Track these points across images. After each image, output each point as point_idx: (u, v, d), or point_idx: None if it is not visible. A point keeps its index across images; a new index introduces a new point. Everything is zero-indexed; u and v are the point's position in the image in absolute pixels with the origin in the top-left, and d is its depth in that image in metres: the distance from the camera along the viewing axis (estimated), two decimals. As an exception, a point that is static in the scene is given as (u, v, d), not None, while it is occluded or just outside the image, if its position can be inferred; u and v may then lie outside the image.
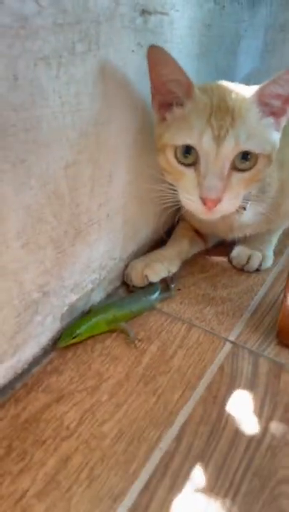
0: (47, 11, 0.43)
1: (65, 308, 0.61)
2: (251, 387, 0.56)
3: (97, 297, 0.68)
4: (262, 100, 0.56)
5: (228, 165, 0.55)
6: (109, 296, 0.71)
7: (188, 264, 0.80)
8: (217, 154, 0.54)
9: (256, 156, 0.56)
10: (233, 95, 0.56)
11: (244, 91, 0.57)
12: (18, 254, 0.49)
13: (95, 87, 0.52)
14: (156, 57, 0.54)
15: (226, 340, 0.63)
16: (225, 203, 0.57)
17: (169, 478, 0.45)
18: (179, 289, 0.74)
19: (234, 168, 0.56)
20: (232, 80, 0.62)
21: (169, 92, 0.57)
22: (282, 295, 0.72)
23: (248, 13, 0.85)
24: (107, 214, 0.62)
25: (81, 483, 0.45)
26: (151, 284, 0.71)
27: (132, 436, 0.49)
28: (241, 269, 0.78)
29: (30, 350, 0.56)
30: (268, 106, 0.57)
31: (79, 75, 0.49)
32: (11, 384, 0.54)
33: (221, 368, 0.59)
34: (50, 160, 0.49)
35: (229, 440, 0.49)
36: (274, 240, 0.82)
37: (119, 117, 0.58)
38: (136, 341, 0.62)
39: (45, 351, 0.59)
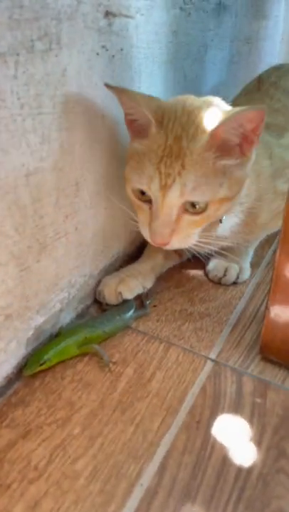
0: (1, 4, 0.39)
1: (31, 332, 0.55)
2: (236, 408, 0.52)
3: (67, 318, 0.63)
4: (218, 140, 0.52)
5: (175, 212, 0.54)
6: (79, 316, 0.66)
7: (163, 279, 0.76)
8: (163, 202, 0.53)
9: (206, 203, 0.54)
10: (191, 132, 0.53)
11: (209, 118, 0.53)
12: (-26, 272, 0.43)
13: (57, 90, 0.48)
14: (116, 95, 0.54)
15: (207, 358, 0.59)
16: (175, 243, 0.56)
17: (153, 519, 0.40)
18: (155, 306, 0.69)
19: (185, 211, 0.54)
20: (199, 90, 0.60)
21: (133, 121, 0.56)
22: (262, 308, 0.69)
23: (214, 23, 0.84)
24: (75, 227, 0.58)
25: (52, 534, 0.39)
26: (125, 302, 0.66)
27: (108, 474, 0.44)
28: (218, 283, 0.75)
29: (-8, 380, 0.50)
30: (228, 143, 0.53)
31: (39, 76, 0.45)
32: None
33: (203, 389, 0.54)
34: (9, 167, 0.44)
35: (216, 470, 0.45)
36: (251, 251, 0.79)
37: (84, 124, 0.54)
38: (110, 364, 0.57)
39: (9, 381, 0.53)
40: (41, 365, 0.53)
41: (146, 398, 0.53)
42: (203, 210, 0.55)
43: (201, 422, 0.50)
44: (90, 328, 0.59)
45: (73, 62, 0.49)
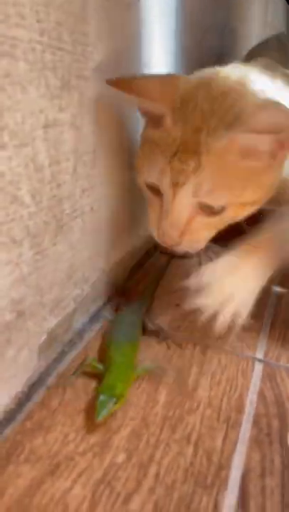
0: None
1: (43, 337, 0.43)
2: (308, 413, 0.42)
3: (79, 322, 0.52)
4: (239, 145, 0.43)
5: (187, 212, 0.46)
6: (92, 320, 0.54)
7: (179, 276, 0.66)
8: (173, 201, 0.46)
9: (224, 206, 0.46)
10: (213, 125, 0.43)
11: (237, 109, 0.43)
12: (-17, 248, 0.32)
13: (76, 25, 0.39)
14: (121, 90, 0.44)
15: (254, 359, 0.50)
16: (184, 246, 0.49)
17: None
18: (178, 304, 0.59)
19: (199, 211, 0.47)
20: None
21: (146, 111, 0.48)
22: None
23: None
24: (90, 206, 0.48)
25: None
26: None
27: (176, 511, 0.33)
28: None
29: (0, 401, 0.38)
30: (254, 148, 0.44)
31: (59, 1, 0.35)
32: (-25, 457, 0.35)
33: (262, 394, 0.45)
34: (26, 110, 0.33)
35: (311, 493, 0.35)
36: None
37: (102, 76, 0.45)
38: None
39: (20, 402, 0.41)
40: (115, 403, 0.39)
41: (198, 410, 0.42)
42: (220, 212, 0.47)
43: (271, 434, 0.40)
44: (130, 340, 0.47)
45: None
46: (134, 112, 0.51)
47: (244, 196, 0.46)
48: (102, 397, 0.38)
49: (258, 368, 0.49)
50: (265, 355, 0.50)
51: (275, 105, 0.43)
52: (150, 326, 0.53)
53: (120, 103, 0.50)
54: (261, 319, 0.57)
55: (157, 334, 0.53)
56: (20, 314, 0.38)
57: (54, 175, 0.39)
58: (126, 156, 0.54)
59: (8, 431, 0.38)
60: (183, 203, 0.45)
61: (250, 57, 0.78)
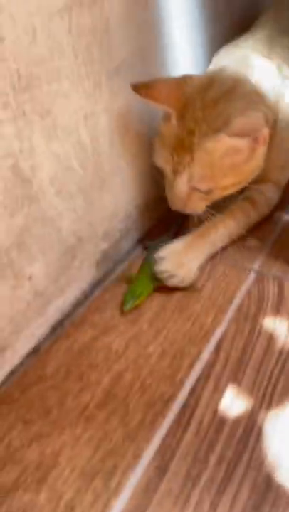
0: None
1: (99, 255, 0.66)
2: (278, 306, 0.60)
3: (125, 246, 0.73)
4: (226, 144, 0.58)
5: (185, 191, 0.62)
6: (135, 245, 0.76)
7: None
8: (174, 183, 0.62)
9: (210, 189, 0.62)
10: (204, 129, 0.58)
11: (224, 116, 0.58)
12: (53, 201, 0.54)
13: (103, 39, 0.56)
14: (139, 94, 0.59)
15: (251, 269, 0.68)
16: (189, 210, 0.65)
17: (212, 381, 0.51)
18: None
19: (194, 190, 0.62)
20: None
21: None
22: (299, 224, 0.76)
23: None
24: (126, 163, 0.67)
25: (135, 393, 0.50)
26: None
27: (174, 354, 0.55)
28: None
29: (73, 292, 0.62)
30: (236, 145, 0.59)
31: (88, 27, 0.53)
32: (60, 322, 0.60)
33: (249, 292, 0.63)
34: (71, 110, 0.53)
35: (263, 348, 0.54)
36: None
37: (128, 72, 0.62)
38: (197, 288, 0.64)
39: (86, 294, 0.65)
40: (135, 299, 0.61)
41: (200, 301, 0.63)
42: (209, 192, 0.63)
43: (248, 315, 0.59)
44: (149, 261, 0.66)
45: (114, 12, 0.57)
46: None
47: (224, 182, 0.62)
48: (127, 296, 0.61)
49: (252, 275, 0.67)
50: (260, 266, 0.68)
51: (251, 113, 0.59)
52: None
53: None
54: (265, 241, 0.74)
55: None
56: (79, 239, 0.60)
57: (95, 147, 0.59)
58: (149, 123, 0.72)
59: (79, 310, 0.63)
60: (181, 186, 0.62)
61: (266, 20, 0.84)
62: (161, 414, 0.48)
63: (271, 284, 0.65)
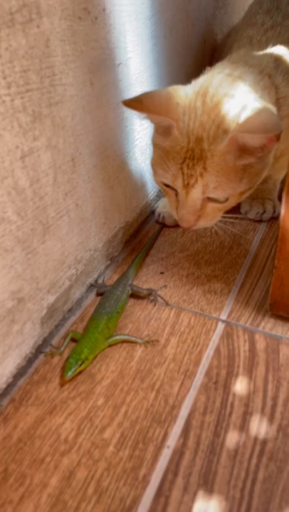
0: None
1: (44, 311, 0.56)
2: (251, 366, 0.53)
3: (77, 294, 0.64)
4: (238, 144, 0.53)
5: (199, 203, 0.57)
6: (88, 290, 0.66)
7: (168, 244, 0.76)
8: (187, 198, 0.57)
9: (227, 197, 0.58)
10: (212, 133, 0.53)
11: (231, 115, 0.53)
12: (-18, 262, 0.43)
13: (42, 63, 0.46)
14: (133, 109, 0.54)
15: (218, 319, 0.61)
16: (201, 224, 0.61)
17: (182, 477, 0.43)
18: (162, 273, 0.70)
19: (209, 200, 0.58)
20: (186, 39, 0.57)
21: (155, 121, 0.58)
22: (268, 264, 0.70)
23: None
24: (75, 203, 0.57)
25: (89, 500, 0.41)
26: (122, 275, 0.66)
27: (136, 439, 0.46)
28: (260, 220, 0.80)
29: (13, 361, 0.51)
30: (248, 145, 0.53)
31: (23, 50, 0.43)
32: (-4, 402, 0.50)
33: (218, 350, 0.56)
34: (4, 151, 0.43)
35: (238, 426, 0.47)
36: (278, 184, 0.81)
37: (74, 95, 0.52)
38: (150, 342, 0.57)
39: (29, 360, 0.55)
40: (80, 365, 0.51)
41: (164, 364, 0.54)
42: (225, 200, 0.58)
43: (218, 382, 0.52)
44: (106, 315, 0.57)
45: (56, 31, 0.47)
46: (115, 111, 0.59)
47: (241, 187, 0.57)
48: (70, 360, 0.51)
49: (220, 327, 0.59)
50: (228, 316, 0.61)
51: (267, 110, 0.52)
52: (141, 291, 0.64)
53: (97, 107, 0.58)
54: (232, 284, 0.67)
55: (149, 295, 0.65)
56: (20, 300, 0.50)
57: (35, 191, 0.49)
58: (115, 149, 0.63)
59: (20, 382, 0.53)
60: (194, 199, 0.57)
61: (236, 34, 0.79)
62: (121, 528, 0.39)
63: (241, 337, 0.58)
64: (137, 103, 0.54)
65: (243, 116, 0.52)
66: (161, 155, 0.57)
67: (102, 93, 0.58)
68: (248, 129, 0.51)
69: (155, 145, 0.59)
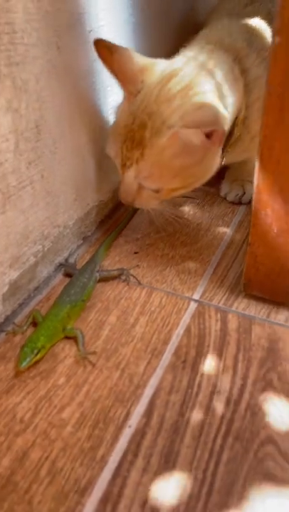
0: None
1: (6, 287, 0.53)
2: (222, 345, 0.51)
3: (44, 272, 0.61)
4: (178, 141, 0.52)
5: (134, 186, 0.57)
6: (57, 269, 0.64)
7: (144, 224, 0.73)
8: (123, 177, 0.58)
9: (158, 189, 0.57)
10: (157, 125, 0.52)
11: (179, 112, 0.52)
12: None
13: (1, 18, 0.43)
14: (102, 56, 0.54)
15: (190, 299, 0.58)
16: (138, 205, 0.61)
17: (142, 458, 0.40)
18: (136, 252, 0.67)
19: (143, 187, 0.57)
20: (166, 14, 0.55)
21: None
22: (244, 246, 0.68)
23: None
24: (40, 174, 0.54)
25: (42, 481, 0.39)
26: (89, 261, 0.62)
27: (96, 419, 0.44)
28: (239, 202, 0.78)
29: None
30: (189, 143, 0.53)
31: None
32: None
33: (188, 330, 0.54)
34: None
35: (204, 406, 0.44)
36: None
37: (37, 57, 0.49)
38: (88, 357, 0.50)
39: (-11, 338, 0.52)
40: (36, 355, 0.47)
41: (131, 343, 0.52)
42: (157, 191, 0.58)
43: (186, 361, 0.49)
44: (69, 303, 0.53)
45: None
46: (85, 80, 0.56)
47: (173, 184, 0.56)
48: (25, 349, 0.47)
49: (192, 307, 0.57)
50: (201, 296, 0.59)
51: (207, 105, 0.52)
52: (111, 273, 0.61)
53: (65, 73, 0.55)
54: (207, 264, 0.65)
55: (120, 275, 0.62)
56: (-23, 273, 0.47)
57: (-7, 156, 0.46)
58: (85, 119, 0.60)
59: (-22, 361, 0.50)
60: (129, 181, 0.57)
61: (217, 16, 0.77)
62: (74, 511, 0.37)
63: (213, 317, 0.55)
64: (107, 52, 0.53)
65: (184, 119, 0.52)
66: (114, 127, 0.57)
67: (70, 59, 0.55)
68: (186, 124, 0.51)
69: (116, 114, 0.58)
